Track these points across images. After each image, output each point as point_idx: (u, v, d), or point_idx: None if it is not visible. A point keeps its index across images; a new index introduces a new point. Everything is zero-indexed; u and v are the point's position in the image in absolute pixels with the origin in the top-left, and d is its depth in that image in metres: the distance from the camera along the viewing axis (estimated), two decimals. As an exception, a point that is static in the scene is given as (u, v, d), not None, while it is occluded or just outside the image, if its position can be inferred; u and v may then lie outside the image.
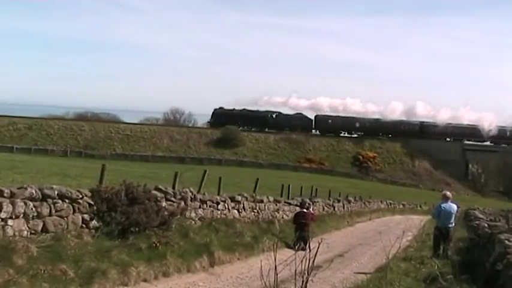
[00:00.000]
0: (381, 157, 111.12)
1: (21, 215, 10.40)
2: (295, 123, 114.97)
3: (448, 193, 17.69)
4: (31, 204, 10.67)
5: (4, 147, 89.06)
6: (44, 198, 11.11)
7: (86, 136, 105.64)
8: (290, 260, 7.40)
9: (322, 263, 14.08)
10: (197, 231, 15.34)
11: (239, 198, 20.30)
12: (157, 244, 12.41)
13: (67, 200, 11.69)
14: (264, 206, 22.74)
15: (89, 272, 9.73)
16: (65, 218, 11.58)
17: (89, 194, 12.42)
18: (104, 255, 10.69)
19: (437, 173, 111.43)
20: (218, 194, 19.41)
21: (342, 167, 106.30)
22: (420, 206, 59.52)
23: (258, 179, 24.29)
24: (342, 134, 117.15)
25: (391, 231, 27.83)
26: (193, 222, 16.55)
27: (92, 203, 12.30)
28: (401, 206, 54.72)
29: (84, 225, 12.12)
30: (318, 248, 7.57)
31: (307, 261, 7.11)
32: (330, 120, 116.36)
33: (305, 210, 20.46)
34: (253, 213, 21.52)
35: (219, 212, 18.61)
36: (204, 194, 17.93)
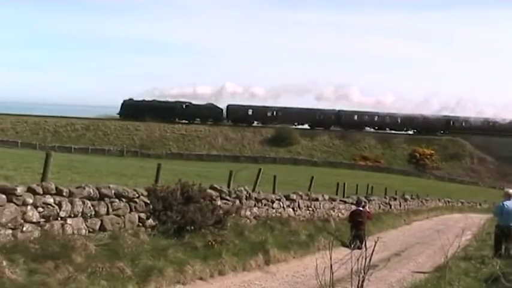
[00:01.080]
0: (438, 154, 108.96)
1: (80, 214, 10.59)
2: (205, 113, 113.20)
3: (511, 191, 17.19)
4: (89, 203, 10.85)
5: (63, 147, 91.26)
6: (102, 197, 11.28)
7: (141, 136, 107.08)
8: (346, 259, 7.31)
9: (379, 262, 13.90)
10: (252, 229, 15.33)
11: (294, 196, 20.22)
12: (213, 243, 12.44)
13: (124, 199, 11.85)
14: (319, 204, 22.61)
15: (146, 270, 9.83)
16: (122, 217, 11.74)
17: (145, 193, 12.55)
18: (160, 253, 10.78)
19: (497, 170, 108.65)
20: (273, 193, 19.37)
21: (398, 165, 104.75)
22: (480, 204, 58.21)
23: (312, 177, 24.15)
24: (254, 124, 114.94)
25: (449, 229, 27.32)
26: (248, 220, 16.55)
27: (148, 202, 12.42)
28: (459, 204, 53.64)
29: (140, 224, 12.26)
30: (375, 246, 7.46)
31: (364, 260, 7.01)
32: (241, 110, 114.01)
33: (361, 208, 20.23)
34: (308, 211, 21.41)
35: (274, 211, 18.57)
36: (258, 192, 17.91)
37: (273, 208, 18.58)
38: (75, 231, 10.36)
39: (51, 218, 9.88)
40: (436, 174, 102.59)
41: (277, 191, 19.81)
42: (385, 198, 34.08)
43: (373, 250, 7.14)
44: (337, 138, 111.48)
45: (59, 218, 10.09)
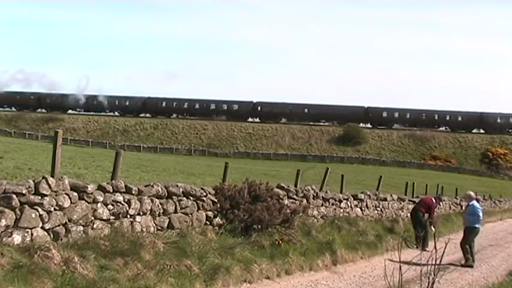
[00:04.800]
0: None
1: (148, 212, 10.74)
2: None
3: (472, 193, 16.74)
4: (157, 201, 10.98)
5: (132, 146, 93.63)
6: (170, 195, 11.41)
7: (209, 135, 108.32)
8: (415, 260, 7.17)
9: (450, 264, 13.61)
10: (319, 229, 15.24)
11: (362, 196, 20.01)
12: (280, 242, 12.42)
13: (191, 198, 11.95)
14: (388, 204, 22.31)
15: (213, 268, 9.87)
16: (190, 215, 11.85)
17: (213, 191, 12.63)
18: (227, 252, 10.81)
19: None
20: (341, 192, 19.22)
21: (470, 165, 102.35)
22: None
23: (381, 176, 23.87)
24: None
25: (524, 232, 26.52)
26: (315, 220, 16.45)
27: (216, 200, 12.50)
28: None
29: (208, 222, 12.35)
30: (445, 248, 7.29)
31: (434, 261, 6.85)
32: None
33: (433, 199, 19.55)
34: (376, 211, 21.16)
35: (341, 210, 18.42)
36: (326, 192, 17.80)
37: (341, 208, 18.43)
38: (144, 229, 10.51)
39: (120, 216, 10.04)
40: (510, 174, 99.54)
41: (344, 191, 19.66)
42: (456, 198, 33.36)
43: (443, 252, 6.97)
44: (407, 137, 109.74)
45: (128, 216, 10.25)
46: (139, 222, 10.48)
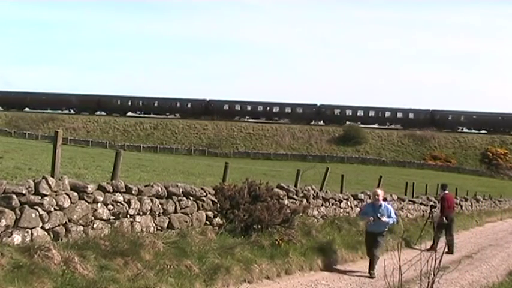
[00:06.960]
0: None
1: (148, 212, 10.74)
2: None
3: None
4: (157, 201, 10.98)
5: (132, 146, 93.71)
6: (170, 195, 11.41)
7: (209, 135, 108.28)
8: (415, 260, 7.17)
9: (450, 263, 13.58)
10: (319, 229, 15.23)
11: (362, 196, 19.99)
12: (280, 242, 12.41)
13: (191, 198, 11.95)
14: (388, 204, 22.25)
15: (213, 268, 9.87)
16: (190, 215, 11.85)
17: (213, 191, 12.63)
18: (227, 252, 10.81)
19: None
20: (341, 192, 19.21)
21: (470, 165, 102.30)
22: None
23: (381, 176, 23.83)
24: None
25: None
26: (315, 220, 16.44)
27: (216, 200, 12.49)
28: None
29: (208, 222, 12.35)
30: (445, 248, 7.28)
31: (433, 261, 6.84)
32: None
33: (447, 192, 19.56)
34: (376, 211, 21.11)
35: (341, 210, 18.40)
36: (326, 191, 17.78)
37: (341, 208, 18.42)
38: (144, 229, 10.51)
39: (120, 216, 10.04)
40: (510, 174, 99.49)
41: (344, 191, 19.64)
42: (456, 198, 33.25)
43: (443, 252, 6.96)
44: (407, 137, 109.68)
45: (128, 216, 10.25)
46: (139, 222, 10.48)
